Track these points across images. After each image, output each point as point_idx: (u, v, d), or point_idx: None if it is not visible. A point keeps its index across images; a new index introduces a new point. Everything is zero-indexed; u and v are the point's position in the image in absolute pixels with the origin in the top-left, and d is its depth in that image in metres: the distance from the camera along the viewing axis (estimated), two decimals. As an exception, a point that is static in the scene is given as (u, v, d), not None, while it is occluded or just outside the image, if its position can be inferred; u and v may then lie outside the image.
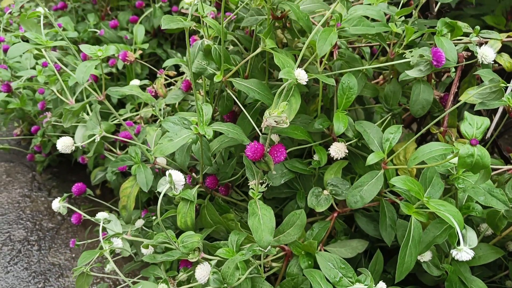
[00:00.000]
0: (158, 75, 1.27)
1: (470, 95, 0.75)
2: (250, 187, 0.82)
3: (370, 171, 0.83)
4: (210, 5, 1.04)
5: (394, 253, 0.81)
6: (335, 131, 0.83)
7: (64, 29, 1.68)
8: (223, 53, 0.86)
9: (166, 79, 1.35)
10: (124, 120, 1.40)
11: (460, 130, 0.68)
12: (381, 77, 1.13)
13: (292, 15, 0.82)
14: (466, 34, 0.90)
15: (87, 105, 1.31)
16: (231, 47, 1.11)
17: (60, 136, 1.62)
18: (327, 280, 0.77)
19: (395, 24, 0.88)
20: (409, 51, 0.82)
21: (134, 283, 0.95)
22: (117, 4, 1.93)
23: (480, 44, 0.87)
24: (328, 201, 0.88)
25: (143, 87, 1.36)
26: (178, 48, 1.92)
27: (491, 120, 1.05)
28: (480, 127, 0.64)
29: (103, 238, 0.93)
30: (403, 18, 0.93)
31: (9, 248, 1.47)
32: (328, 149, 0.90)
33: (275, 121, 0.68)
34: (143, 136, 1.18)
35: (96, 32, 1.74)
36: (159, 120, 1.26)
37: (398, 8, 0.97)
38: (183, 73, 1.30)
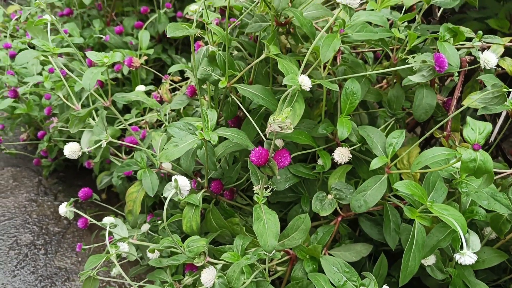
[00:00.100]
0: (163, 81, 1.28)
1: (473, 100, 0.76)
2: (254, 192, 0.83)
3: (373, 175, 0.84)
4: (214, 11, 1.06)
5: (399, 257, 0.82)
6: (339, 136, 0.84)
7: (70, 35, 1.70)
8: (227, 59, 0.87)
9: (171, 84, 1.37)
10: (130, 125, 1.41)
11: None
12: (384, 81, 1.14)
13: (295, 21, 0.83)
14: (469, 39, 0.91)
15: (93, 111, 1.32)
16: (235, 52, 1.12)
17: (66, 141, 1.64)
18: (332, 284, 0.77)
19: (398, 29, 0.89)
20: (412, 57, 0.83)
21: (140, 287, 0.96)
22: (122, 10, 1.94)
23: (483, 49, 0.87)
24: (332, 206, 0.89)
25: (148, 93, 1.37)
26: (183, 53, 1.94)
27: (495, 124, 1.06)
28: (482, 132, 0.65)
29: (109, 243, 0.94)
30: (406, 23, 0.94)
31: (16, 252, 1.48)
32: (332, 153, 0.91)
33: (279, 126, 0.69)
34: (148, 141, 1.19)
35: (101, 37, 1.76)
36: (164, 125, 1.27)
37: (401, 13, 0.98)
38: (187, 78, 1.31)
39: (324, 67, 0.91)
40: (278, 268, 0.93)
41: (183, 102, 1.07)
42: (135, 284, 0.92)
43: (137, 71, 1.55)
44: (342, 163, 0.89)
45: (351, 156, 0.89)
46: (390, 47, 0.93)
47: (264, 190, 0.82)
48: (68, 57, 1.64)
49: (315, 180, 0.99)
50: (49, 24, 1.01)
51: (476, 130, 0.65)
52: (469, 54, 0.93)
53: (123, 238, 0.98)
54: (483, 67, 0.80)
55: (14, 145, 1.87)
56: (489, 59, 0.79)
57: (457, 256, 0.67)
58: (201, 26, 0.91)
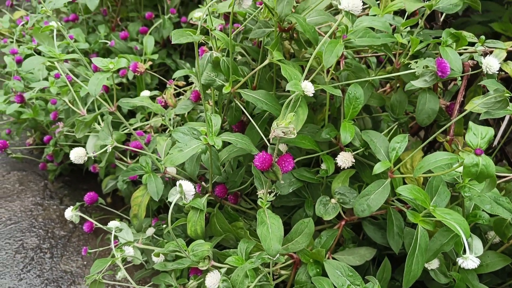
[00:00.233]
0: (167, 86, 1.29)
1: (476, 104, 0.76)
2: (258, 196, 0.83)
3: (377, 179, 0.84)
4: (218, 17, 1.07)
5: (402, 261, 0.82)
6: (342, 141, 0.85)
7: (75, 41, 1.71)
8: (231, 65, 0.88)
9: (175, 89, 1.38)
10: (135, 129, 1.42)
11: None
12: (388, 85, 1.14)
13: (299, 27, 0.84)
14: (472, 44, 0.91)
15: (99, 116, 1.33)
16: (239, 57, 1.13)
17: (72, 145, 1.65)
18: (335, 287, 0.78)
19: (401, 34, 0.90)
20: (414, 62, 0.83)
21: (145, 290, 0.97)
22: (126, 15, 1.96)
23: (485, 54, 0.88)
24: (335, 210, 0.90)
25: (153, 98, 1.38)
26: (187, 58, 1.95)
27: (499, 127, 1.06)
28: (484, 137, 0.65)
29: (115, 247, 0.95)
30: (408, 28, 0.94)
31: (22, 255, 1.50)
32: (335, 158, 0.91)
33: (282, 132, 0.70)
34: (153, 146, 1.20)
35: (106, 43, 1.77)
36: (168, 129, 1.28)
37: (403, 18, 0.98)
38: (192, 83, 1.32)
39: (327, 72, 0.92)
40: (282, 272, 0.93)
41: (187, 107, 1.08)
42: (140, 288, 0.92)
43: (142, 76, 1.56)
44: (345, 167, 0.90)
45: (354, 160, 0.90)
46: (393, 52, 0.94)
47: (268, 195, 0.83)
48: (74, 62, 1.65)
49: (319, 184, 1.00)
50: (55, 31, 1.02)
51: (478, 135, 0.66)
52: (472, 58, 0.94)
53: (128, 242, 0.99)
54: (485, 72, 0.81)
55: (20, 149, 1.89)
56: (491, 64, 0.79)
57: (460, 260, 0.68)
58: (205, 32, 0.92)
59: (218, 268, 0.86)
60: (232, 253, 0.88)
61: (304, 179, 0.95)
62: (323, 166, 0.94)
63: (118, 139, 1.31)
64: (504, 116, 1.05)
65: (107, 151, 0.98)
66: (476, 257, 0.69)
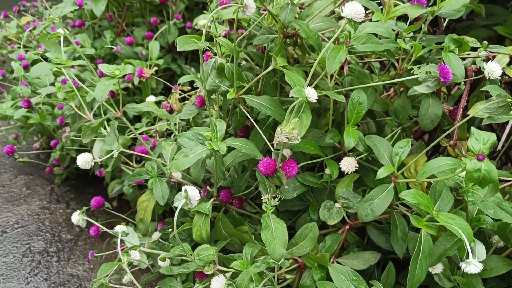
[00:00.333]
0: (173, 91, 1.31)
1: (478, 109, 0.76)
2: (263, 201, 0.84)
3: (380, 184, 0.85)
4: (222, 23, 1.08)
5: (407, 265, 0.83)
6: (346, 146, 0.85)
7: (81, 46, 1.73)
8: (235, 71, 0.89)
9: (180, 94, 1.39)
10: (140, 134, 1.43)
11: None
12: (392, 89, 1.15)
13: (302, 33, 0.84)
14: (475, 49, 0.92)
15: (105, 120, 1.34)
16: (243, 62, 1.14)
17: (79, 150, 1.67)
18: (339, 292, 0.79)
19: (404, 40, 0.90)
20: (417, 67, 0.84)
21: (151, 294, 0.98)
22: (132, 20, 1.98)
23: (488, 59, 0.88)
24: (339, 214, 0.90)
25: (158, 102, 1.39)
26: (192, 63, 1.96)
27: (503, 131, 1.06)
28: (486, 143, 0.66)
29: (121, 251, 0.96)
30: (411, 33, 0.95)
31: (29, 259, 1.51)
32: (339, 163, 0.92)
33: (286, 137, 0.70)
34: (159, 150, 1.21)
35: (112, 48, 1.79)
36: (174, 134, 1.29)
37: (406, 23, 0.99)
38: (196, 87, 1.33)
39: (331, 77, 0.93)
40: (287, 276, 0.94)
41: (192, 112, 1.09)
42: (146, 292, 0.93)
43: (147, 81, 1.57)
44: (349, 172, 0.90)
45: (357, 165, 0.90)
46: (396, 57, 0.94)
47: (273, 199, 0.84)
48: (80, 67, 1.67)
49: (323, 189, 1.00)
50: (62, 38, 1.03)
51: (481, 141, 0.66)
52: (475, 63, 0.94)
53: (134, 246, 1.00)
54: (488, 78, 0.81)
55: (27, 154, 1.91)
56: (494, 69, 0.80)
57: (463, 265, 0.68)
58: (210, 37, 0.93)
59: (224, 272, 0.86)
60: (237, 257, 0.89)
61: (308, 184, 0.96)
62: (327, 170, 0.95)
63: (124, 144, 1.33)
64: (508, 120, 1.05)
65: (113, 156, 0.99)
66: (480, 261, 0.69)
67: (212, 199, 0.99)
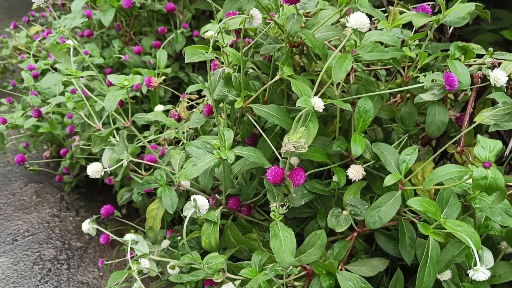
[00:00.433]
0: (181, 99, 1.32)
1: (485, 117, 0.77)
2: (271, 209, 0.85)
3: (388, 191, 0.85)
4: (229, 33, 1.09)
5: (415, 271, 0.83)
6: (353, 154, 0.86)
7: (90, 56, 1.75)
8: (242, 80, 0.90)
9: (188, 102, 1.40)
10: (149, 142, 1.45)
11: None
12: (398, 95, 1.15)
13: (308, 42, 0.85)
14: (480, 55, 0.92)
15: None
16: (250, 70, 1.15)
17: (88, 158, 1.68)
18: (348, 299, 0.79)
19: (409, 48, 0.91)
20: (423, 75, 0.85)
21: (161, 302, 0.99)
22: (140, 29, 2.00)
23: (493, 66, 0.88)
24: (347, 221, 0.91)
25: (166, 111, 1.41)
26: (199, 71, 1.98)
27: (510, 136, 1.06)
28: (492, 150, 0.66)
29: (131, 258, 0.97)
30: (416, 41, 0.96)
31: (39, 267, 1.53)
32: (346, 171, 0.92)
33: (294, 146, 0.71)
34: (167, 159, 1.23)
35: (120, 57, 1.81)
36: (182, 142, 1.30)
37: (412, 30, 1.00)
38: (204, 95, 1.35)
39: (338, 85, 0.93)
40: (296, 283, 0.94)
41: (200, 120, 1.10)
42: (156, 300, 0.94)
43: (155, 90, 1.59)
44: (356, 180, 0.91)
45: (364, 173, 0.91)
46: (401, 65, 0.95)
47: (281, 207, 0.84)
48: (89, 77, 1.69)
49: (331, 196, 1.01)
50: (71, 49, 1.05)
51: (487, 148, 0.67)
52: (481, 69, 0.95)
53: (144, 255, 1.01)
54: (493, 85, 0.82)
55: (37, 162, 1.93)
56: (499, 77, 0.80)
57: (471, 273, 0.69)
58: (217, 47, 0.94)
59: (233, 280, 0.87)
60: (246, 265, 0.89)
61: (316, 191, 0.97)
62: (335, 178, 0.96)
63: (133, 152, 1.34)
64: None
65: (123, 165, 1.01)
66: (488, 268, 0.69)
67: (220, 207, 0.99)
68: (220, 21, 1.07)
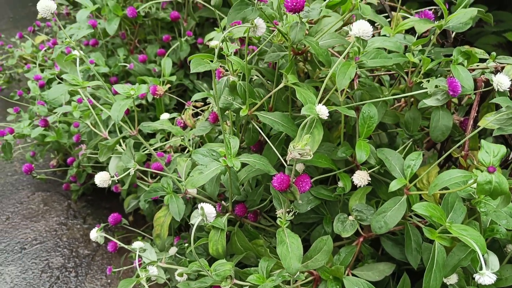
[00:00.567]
0: (186, 107, 1.33)
1: (488, 121, 0.78)
2: (277, 216, 0.86)
3: (393, 196, 0.86)
4: (233, 41, 1.10)
5: (422, 275, 0.83)
6: (358, 160, 0.86)
7: (96, 65, 1.77)
8: (247, 88, 0.91)
9: (193, 109, 1.41)
10: (155, 149, 1.46)
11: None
12: (403, 100, 1.16)
13: (312, 50, 0.86)
14: (483, 60, 0.93)
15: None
16: (255, 77, 1.16)
17: (94, 166, 1.70)
18: (355, 304, 0.79)
19: (412, 53, 0.92)
20: (426, 81, 0.85)
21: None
22: (144, 37, 2.01)
23: (497, 71, 0.89)
24: (353, 227, 0.91)
25: (172, 118, 1.42)
26: (204, 78, 1.99)
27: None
28: (496, 155, 0.67)
29: (139, 266, 0.98)
30: (420, 47, 0.96)
31: (48, 275, 1.54)
32: (352, 176, 0.93)
33: (299, 153, 0.72)
34: (173, 166, 1.24)
35: (126, 66, 1.82)
36: (188, 149, 1.31)
37: (415, 35, 1.00)
38: (209, 103, 1.36)
39: (342, 92, 0.94)
40: (303, 289, 0.95)
41: (206, 128, 1.11)
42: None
43: (161, 98, 1.60)
44: (362, 186, 0.92)
45: (370, 179, 0.92)
46: (405, 70, 0.96)
47: (287, 214, 0.85)
48: (95, 85, 1.71)
49: (337, 201, 1.02)
50: (78, 59, 1.06)
51: (491, 153, 0.67)
52: (484, 73, 0.95)
53: (152, 262, 1.02)
54: (496, 90, 0.82)
55: (44, 171, 1.94)
56: (502, 81, 0.81)
57: (476, 277, 0.69)
58: (222, 56, 0.95)
59: (240, 286, 0.88)
60: (253, 271, 0.90)
61: (322, 197, 0.97)
62: (340, 183, 0.96)
63: (139, 160, 1.35)
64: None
65: (130, 174, 1.02)
66: (494, 272, 0.70)
67: (227, 214, 1.00)
68: (224, 29, 1.08)
